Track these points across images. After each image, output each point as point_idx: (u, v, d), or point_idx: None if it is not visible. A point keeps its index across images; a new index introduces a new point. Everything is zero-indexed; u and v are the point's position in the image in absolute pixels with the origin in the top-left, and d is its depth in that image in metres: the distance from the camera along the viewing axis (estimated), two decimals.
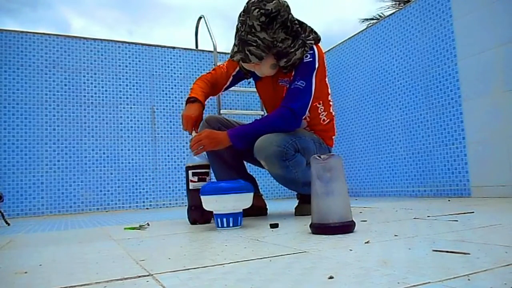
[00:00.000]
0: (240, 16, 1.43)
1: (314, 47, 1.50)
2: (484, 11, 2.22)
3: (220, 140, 1.42)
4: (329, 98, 1.63)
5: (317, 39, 1.53)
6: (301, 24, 1.51)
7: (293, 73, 1.48)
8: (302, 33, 1.48)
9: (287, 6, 1.42)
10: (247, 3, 1.42)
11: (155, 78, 3.40)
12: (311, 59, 1.46)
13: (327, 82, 1.59)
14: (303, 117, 1.51)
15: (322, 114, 1.59)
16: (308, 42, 1.47)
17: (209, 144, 1.41)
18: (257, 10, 1.36)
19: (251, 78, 1.66)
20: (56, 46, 3.09)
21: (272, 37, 1.39)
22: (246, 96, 3.66)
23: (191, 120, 1.48)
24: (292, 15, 1.44)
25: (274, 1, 1.38)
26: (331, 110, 1.63)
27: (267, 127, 1.43)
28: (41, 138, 2.96)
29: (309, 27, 1.53)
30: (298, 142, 1.43)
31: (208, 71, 1.72)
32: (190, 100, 1.55)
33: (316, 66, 1.47)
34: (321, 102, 1.57)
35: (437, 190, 2.52)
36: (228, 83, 1.69)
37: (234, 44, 1.45)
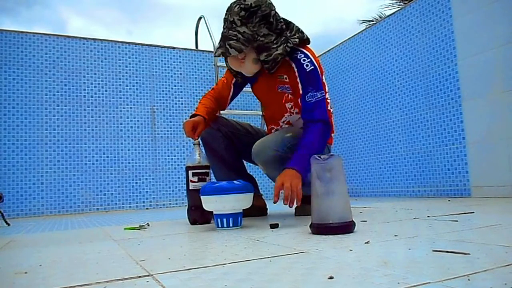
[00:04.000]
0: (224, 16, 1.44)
1: (308, 53, 1.46)
2: (484, 11, 2.22)
3: (298, 178, 1.27)
4: (327, 96, 1.61)
5: (302, 39, 1.49)
6: (288, 23, 1.50)
7: (295, 82, 1.46)
8: (288, 32, 1.47)
9: (270, 3, 1.42)
10: (230, 3, 1.44)
11: (155, 78, 3.40)
12: (312, 67, 1.42)
13: (324, 80, 1.57)
14: (299, 116, 1.48)
15: None
16: (292, 40, 1.45)
17: (297, 184, 1.24)
18: (237, 6, 1.38)
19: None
20: (56, 46, 3.09)
21: (252, 31, 1.39)
22: (246, 96, 3.66)
23: (189, 124, 1.49)
24: (276, 13, 1.44)
25: None
26: (329, 108, 1.61)
27: (320, 144, 1.38)
28: (41, 138, 2.96)
29: (297, 27, 1.51)
30: (296, 143, 1.43)
31: (211, 88, 1.73)
32: (191, 116, 1.57)
33: (320, 74, 1.46)
34: None
35: (437, 190, 2.52)
36: (231, 93, 1.69)
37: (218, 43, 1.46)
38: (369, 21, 11.06)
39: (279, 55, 1.42)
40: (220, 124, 1.65)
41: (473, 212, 1.35)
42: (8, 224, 2.02)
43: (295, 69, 1.44)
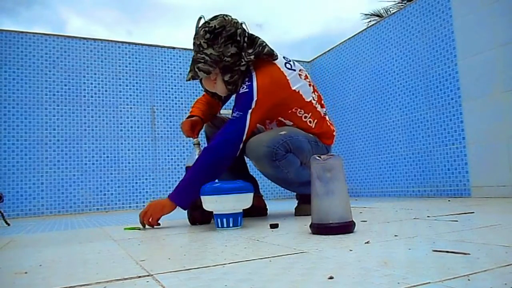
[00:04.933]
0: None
1: (255, 76, 1.39)
2: (484, 11, 2.22)
3: (164, 204, 1.39)
4: (310, 99, 1.51)
5: (261, 54, 1.40)
6: (254, 39, 1.44)
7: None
8: (250, 49, 1.42)
9: (236, 22, 1.41)
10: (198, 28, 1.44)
11: (155, 78, 3.40)
12: (247, 90, 1.38)
13: (294, 89, 1.45)
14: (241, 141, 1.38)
15: (306, 117, 1.52)
16: (246, 57, 1.39)
17: (155, 211, 1.39)
18: (203, 30, 1.39)
19: None
20: (56, 46, 3.09)
21: (219, 51, 1.38)
22: None
23: (187, 123, 1.52)
24: (244, 30, 1.42)
25: (218, 18, 1.39)
26: (317, 109, 1.55)
27: (200, 168, 1.37)
28: (41, 138, 2.96)
29: (262, 42, 1.43)
30: (290, 142, 1.42)
31: (202, 94, 1.74)
32: (188, 117, 1.59)
33: (254, 98, 1.36)
34: (297, 108, 1.49)
35: (437, 190, 2.52)
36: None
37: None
38: (372, 15, 10.98)
39: (237, 78, 1.42)
40: (219, 122, 1.66)
41: (473, 212, 1.35)
42: (8, 224, 2.02)
43: None
